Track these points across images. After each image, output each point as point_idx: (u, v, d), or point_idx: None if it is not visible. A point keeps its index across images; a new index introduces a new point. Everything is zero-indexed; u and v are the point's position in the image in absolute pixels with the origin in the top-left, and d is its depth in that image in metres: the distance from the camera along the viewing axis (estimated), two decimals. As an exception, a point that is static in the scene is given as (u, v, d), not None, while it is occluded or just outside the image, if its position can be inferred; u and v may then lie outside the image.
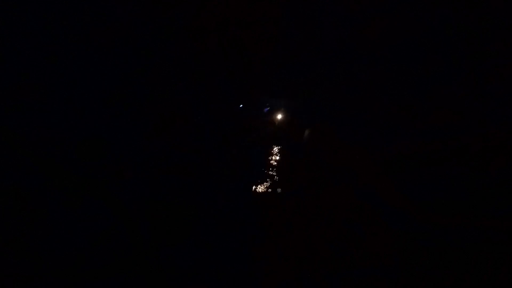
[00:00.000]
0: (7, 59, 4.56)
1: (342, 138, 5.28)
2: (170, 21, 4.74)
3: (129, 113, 4.96)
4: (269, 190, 6.21)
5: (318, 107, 5.36)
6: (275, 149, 6.33)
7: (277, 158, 6.15)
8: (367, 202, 5.03)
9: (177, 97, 5.09)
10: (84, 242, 4.08)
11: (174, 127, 5.14)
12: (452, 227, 4.25)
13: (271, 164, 6.08)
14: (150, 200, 4.89)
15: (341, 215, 5.01)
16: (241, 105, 5.10)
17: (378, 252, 3.79)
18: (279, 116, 5.83)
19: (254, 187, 6.20)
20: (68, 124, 4.79)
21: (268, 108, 5.36)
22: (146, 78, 4.95)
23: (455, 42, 4.60)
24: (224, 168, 5.40)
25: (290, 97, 5.40)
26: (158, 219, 4.70)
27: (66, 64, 4.73)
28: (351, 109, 5.17)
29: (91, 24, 4.64)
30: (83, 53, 4.75)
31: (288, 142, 5.93)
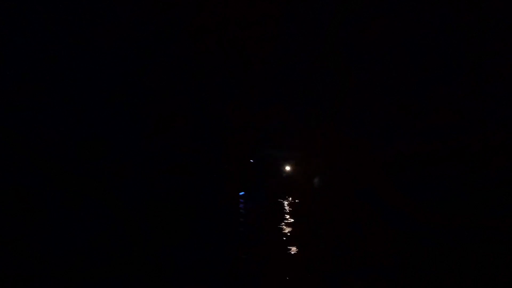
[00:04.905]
0: (7, 59, 4.56)
1: (342, 138, 5.28)
2: (170, 21, 4.74)
3: (129, 113, 4.96)
4: (269, 190, 6.21)
5: (318, 107, 5.37)
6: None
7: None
8: (367, 202, 5.03)
9: (177, 97, 5.10)
10: (84, 242, 4.09)
11: (174, 127, 5.14)
12: (452, 227, 4.25)
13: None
14: (150, 200, 4.89)
15: (341, 215, 5.01)
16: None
17: (378, 252, 3.80)
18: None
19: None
20: (68, 124, 4.80)
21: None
22: (146, 78, 4.95)
23: (455, 42, 4.61)
24: (224, 168, 5.41)
25: (289, 97, 5.40)
26: (158, 219, 4.70)
27: (66, 64, 4.73)
28: (351, 109, 5.17)
29: (91, 24, 4.64)
30: (83, 53, 4.75)
31: (288, 142, 5.93)
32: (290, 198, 6.30)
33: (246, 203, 5.53)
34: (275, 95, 5.34)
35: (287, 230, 4.59)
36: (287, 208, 5.52)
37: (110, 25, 4.65)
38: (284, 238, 4.35)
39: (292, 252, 3.84)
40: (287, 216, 5.21)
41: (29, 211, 4.31)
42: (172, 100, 5.10)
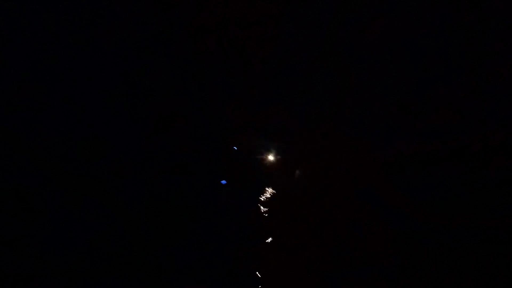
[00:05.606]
0: (7, 59, 4.56)
1: (342, 138, 5.28)
2: (170, 21, 4.74)
3: (129, 113, 4.96)
4: (269, 190, 6.19)
5: (318, 107, 5.36)
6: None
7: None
8: (367, 202, 5.02)
9: (177, 97, 5.09)
10: (84, 242, 4.08)
11: (174, 127, 5.14)
12: (452, 227, 4.25)
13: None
14: (150, 200, 4.89)
15: (341, 215, 5.01)
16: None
17: (378, 252, 3.79)
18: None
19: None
20: (68, 124, 4.80)
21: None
22: (146, 78, 4.95)
23: (455, 42, 4.60)
24: (224, 168, 5.40)
25: (289, 97, 5.39)
26: (158, 219, 4.70)
27: (66, 64, 4.73)
28: (350, 109, 5.17)
29: (91, 24, 4.64)
30: (83, 53, 4.75)
31: (288, 142, 5.93)
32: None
33: (239, 198, 5.47)
34: (275, 95, 5.33)
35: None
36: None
37: (110, 25, 4.65)
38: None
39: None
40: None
41: (29, 211, 4.31)
42: (172, 100, 5.09)
